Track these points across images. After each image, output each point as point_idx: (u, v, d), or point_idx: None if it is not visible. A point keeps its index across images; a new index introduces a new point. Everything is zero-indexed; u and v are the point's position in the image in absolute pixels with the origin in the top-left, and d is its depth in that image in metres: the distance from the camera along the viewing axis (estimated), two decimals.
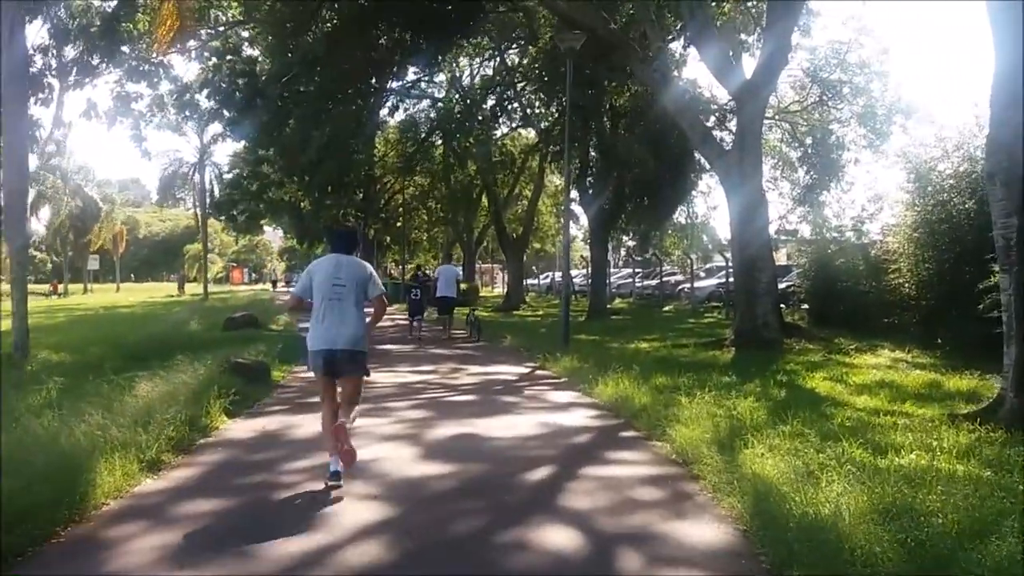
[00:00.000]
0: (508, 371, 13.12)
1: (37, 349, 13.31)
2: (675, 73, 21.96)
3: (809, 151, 29.55)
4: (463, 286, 35.59)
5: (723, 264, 28.30)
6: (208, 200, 45.86)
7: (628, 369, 10.55)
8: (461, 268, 32.35)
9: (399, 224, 45.23)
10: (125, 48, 15.55)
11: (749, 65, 16.42)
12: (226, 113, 20.43)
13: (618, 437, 7.86)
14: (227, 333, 17.60)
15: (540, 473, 6.38)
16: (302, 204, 35.05)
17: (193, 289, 62.58)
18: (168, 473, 6.28)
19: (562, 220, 48.01)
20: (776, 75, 16.96)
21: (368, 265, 6.66)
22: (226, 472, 6.40)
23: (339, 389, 6.36)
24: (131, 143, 18.17)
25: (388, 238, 45.18)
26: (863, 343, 14.30)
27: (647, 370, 10.79)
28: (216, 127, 28.11)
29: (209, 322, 19.94)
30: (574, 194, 30.95)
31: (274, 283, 78.35)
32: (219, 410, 8.35)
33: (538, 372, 13.05)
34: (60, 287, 60.68)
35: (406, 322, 21.52)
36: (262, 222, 52.06)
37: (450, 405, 9.79)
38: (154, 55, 16.20)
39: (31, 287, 71.02)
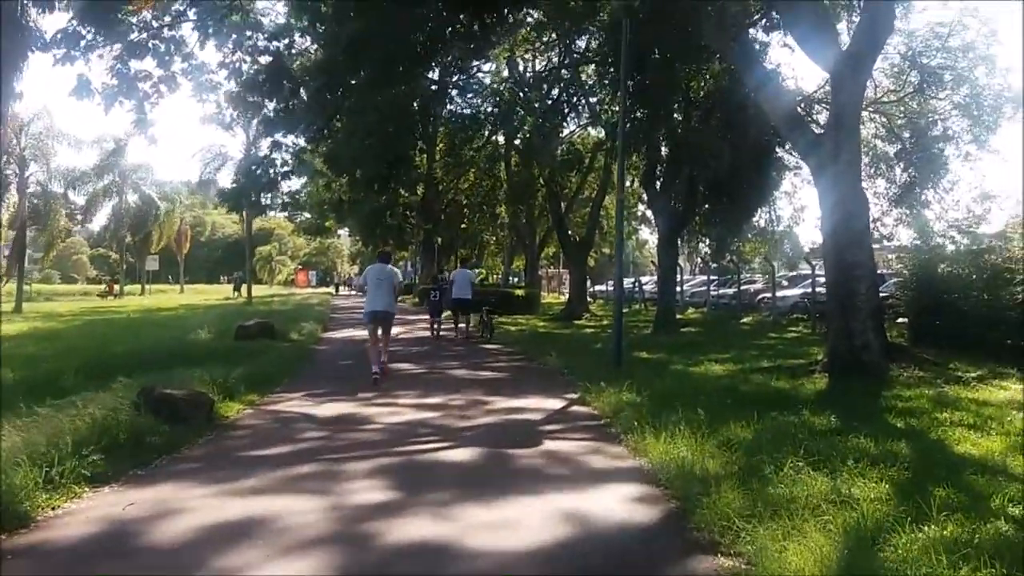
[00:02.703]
0: (537, 406, 10.40)
1: (4, 362, 11.63)
2: (757, 47, 19.22)
3: (908, 145, 26.41)
4: (519, 292, 34.49)
5: (808, 273, 25.54)
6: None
7: (692, 407, 8.06)
8: (476, 272, 32.57)
9: (464, 226, 43.43)
10: (120, 16, 13.59)
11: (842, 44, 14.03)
12: (248, 98, 18.65)
13: (669, 556, 4.96)
14: (235, 343, 15.91)
15: None
16: (344, 199, 33.78)
17: (261, 291, 61.86)
18: None
19: (632, 223, 46.11)
20: (881, 43, 14.34)
21: (395, 269, 14.11)
22: None
23: (380, 333, 12.68)
24: (135, 128, 16.15)
25: (439, 240, 43.02)
26: (983, 370, 11.68)
27: (718, 408, 8.29)
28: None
29: (225, 329, 18.04)
30: (644, 195, 28.68)
31: (337, 287, 77.19)
32: (71, 476, 5.94)
33: (576, 408, 10.31)
34: (116, 288, 60.05)
35: (429, 334, 21.28)
36: (327, 224, 51.03)
37: (433, 472, 6.99)
38: (130, 9, 14.12)
39: (86, 287, 71.98)
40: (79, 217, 59.08)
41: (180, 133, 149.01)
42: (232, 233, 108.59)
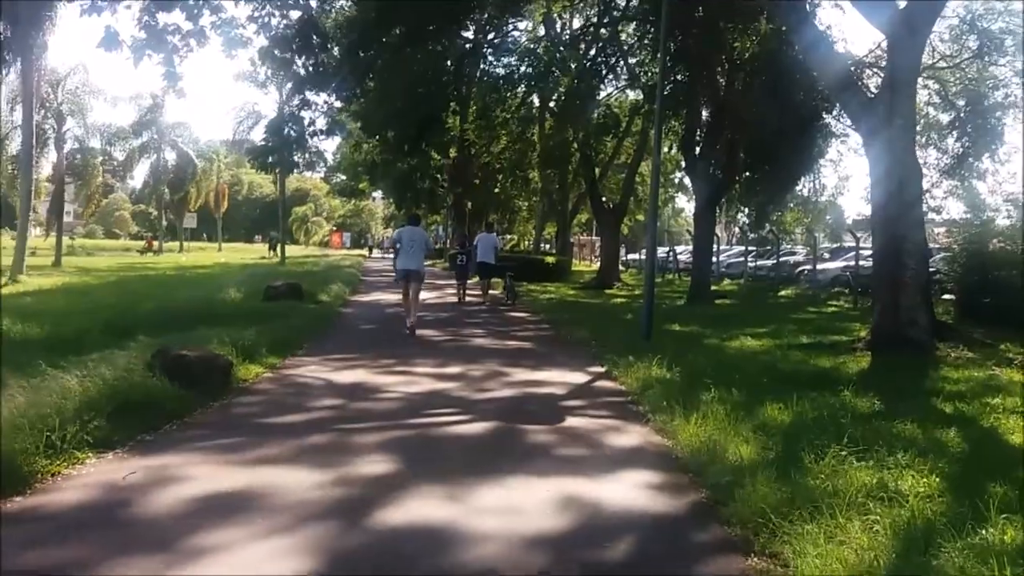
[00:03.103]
0: (561, 379, 9.87)
1: (31, 317, 11.70)
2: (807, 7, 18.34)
3: (963, 113, 25.25)
4: (549, 260, 33.95)
5: (849, 245, 24.71)
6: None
7: (725, 385, 7.54)
8: (500, 237, 34.08)
9: (497, 191, 42.79)
10: None
11: None
12: (277, 53, 18.17)
13: (694, 554, 4.54)
14: (263, 304, 15.65)
15: None
16: (376, 161, 33.56)
17: (296, 252, 61.91)
18: None
19: (669, 190, 45.18)
20: (941, 3, 13.60)
21: (425, 232, 16.32)
22: None
23: (411, 293, 13.95)
24: (164, 82, 15.78)
25: (469, 204, 42.36)
26: None
27: (753, 387, 7.77)
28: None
29: (255, 289, 17.83)
30: (682, 161, 27.89)
31: (370, 249, 76.97)
32: (73, 441, 5.55)
33: (601, 383, 9.77)
34: (155, 244, 60.50)
35: (456, 299, 21.36)
36: (361, 186, 50.80)
37: (443, 446, 6.70)
38: None
39: (127, 243, 72.70)
40: (120, 172, 59.22)
41: (219, 91, 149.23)
42: (269, 193, 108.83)
